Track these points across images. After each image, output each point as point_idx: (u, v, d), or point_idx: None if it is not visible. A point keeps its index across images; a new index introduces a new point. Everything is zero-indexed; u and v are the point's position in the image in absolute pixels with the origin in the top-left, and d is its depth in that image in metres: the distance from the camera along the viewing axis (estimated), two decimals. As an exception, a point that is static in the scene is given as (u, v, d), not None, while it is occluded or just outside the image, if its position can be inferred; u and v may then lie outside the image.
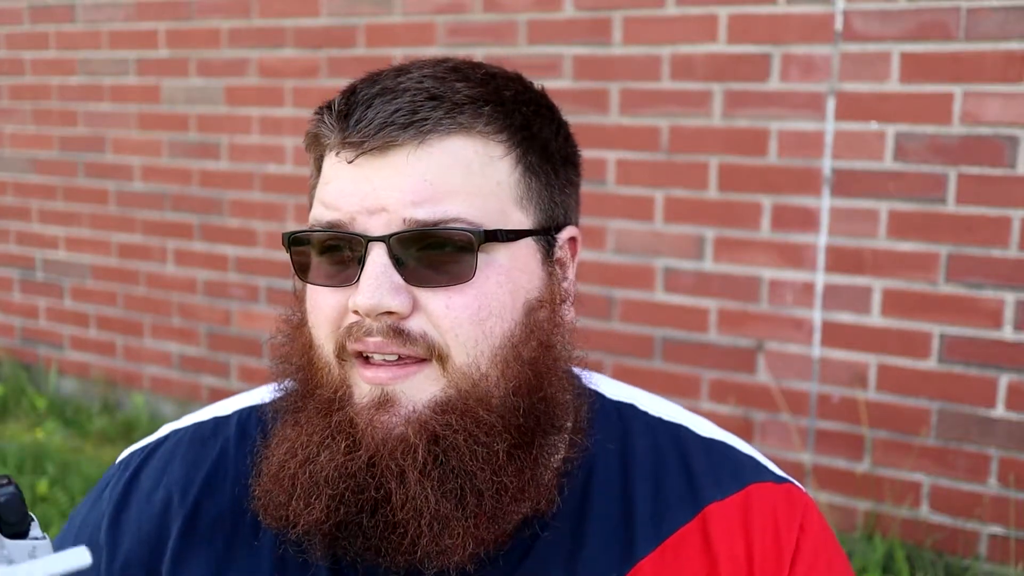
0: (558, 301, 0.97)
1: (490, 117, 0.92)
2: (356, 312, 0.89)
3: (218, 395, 4.45)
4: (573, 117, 3.98)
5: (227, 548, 0.99)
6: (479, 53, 3.62)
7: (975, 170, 2.92)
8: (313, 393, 0.94)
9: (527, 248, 0.94)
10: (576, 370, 1.07)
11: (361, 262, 0.89)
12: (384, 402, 0.89)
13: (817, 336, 3.19)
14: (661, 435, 1.03)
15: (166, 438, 1.06)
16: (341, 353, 0.91)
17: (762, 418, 3.31)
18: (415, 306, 0.89)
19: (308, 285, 0.94)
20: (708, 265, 3.34)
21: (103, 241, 4.76)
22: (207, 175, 4.39)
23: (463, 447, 0.89)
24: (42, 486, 3.79)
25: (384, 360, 0.90)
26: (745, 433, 3.30)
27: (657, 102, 3.36)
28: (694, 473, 1.01)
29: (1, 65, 4.97)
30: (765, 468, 1.03)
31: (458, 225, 0.89)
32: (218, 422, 1.06)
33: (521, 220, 0.94)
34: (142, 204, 4.60)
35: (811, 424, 3.24)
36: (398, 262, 0.89)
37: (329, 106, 0.94)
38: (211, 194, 4.39)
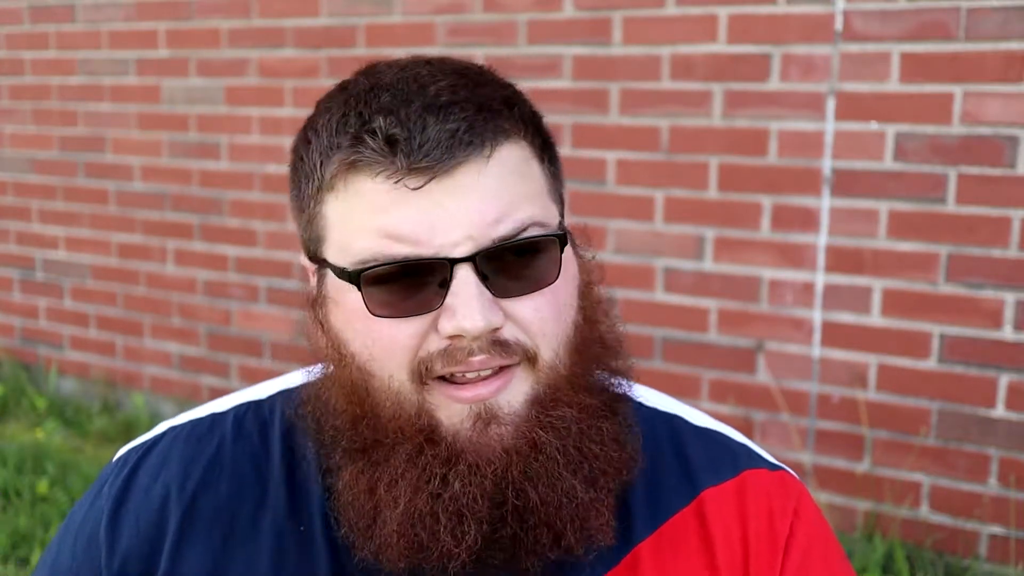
0: (594, 279, 1.00)
1: (520, 120, 0.93)
2: (453, 337, 0.88)
3: (218, 395, 4.43)
4: (573, 117, 3.98)
5: (225, 542, 0.99)
6: (479, 53, 3.62)
7: (975, 170, 2.92)
8: (385, 427, 0.92)
9: (567, 239, 0.97)
10: None
11: (445, 286, 0.88)
12: (489, 417, 0.90)
13: (817, 336, 3.19)
14: (656, 424, 1.05)
15: (163, 435, 1.07)
16: (425, 377, 0.90)
17: (762, 418, 3.31)
18: (504, 316, 0.90)
19: (361, 317, 0.91)
20: (708, 265, 3.34)
21: (103, 241, 4.76)
22: (207, 175, 4.39)
23: (580, 432, 0.91)
24: (42, 486, 3.80)
25: (479, 376, 0.90)
26: (745, 433, 3.28)
27: (657, 102, 3.36)
28: (689, 460, 1.02)
29: (1, 65, 4.97)
30: (759, 455, 1.05)
31: (536, 231, 0.90)
32: (215, 418, 1.07)
33: (556, 213, 0.96)
34: (142, 204, 4.60)
35: (811, 424, 3.24)
36: (483, 277, 0.88)
37: (370, 129, 0.88)
38: (211, 194, 4.39)
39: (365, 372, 0.92)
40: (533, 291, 0.90)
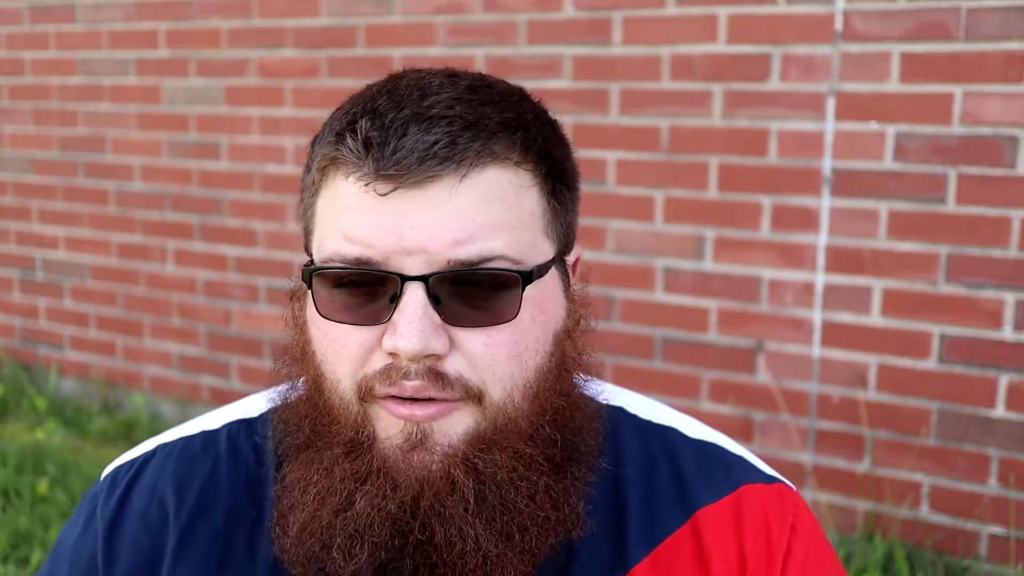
0: (580, 324, 0.95)
1: (521, 145, 0.89)
2: (392, 354, 0.85)
3: (218, 395, 4.46)
4: (573, 117, 3.97)
5: (221, 567, 0.97)
6: (479, 53, 3.62)
7: (975, 170, 2.92)
8: (329, 430, 0.90)
9: (553, 278, 0.92)
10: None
11: (395, 300, 0.85)
12: (420, 440, 0.86)
13: (817, 336, 3.19)
14: (651, 439, 1.02)
15: (154, 453, 1.04)
16: (366, 395, 0.87)
17: (762, 418, 3.31)
18: (452, 345, 0.86)
19: (317, 316, 0.89)
20: (708, 265, 3.34)
21: (103, 241, 4.76)
22: (207, 175, 4.39)
23: (506, 482, 0.87)
24: (42, 486, 3.79)
25: (418, 401, 0.87)
26: (745, 433, 3.30)
27: (657, 102, 3.36)
28: (685, 476, 1.00)
29: (1, 65, 4.97)
30: (755, 468, 1.02)
31: (501, 264, 0.85)
32: (207, 436, 1.04)
33: (547, 249, 0.91)
34: (142, 204, 4.60)
35: (811, 424, 3.24)
36: (436, 300, 0.85)
37: (352, 128, 0.87)
38: (211, 194, 4.39)
39: (319, 371, 0.91)
40: (487, 325, 0.86)
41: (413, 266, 0.85)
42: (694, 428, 1.05)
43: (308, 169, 0.94)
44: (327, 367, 0.90)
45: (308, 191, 0.93)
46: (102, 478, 1.06)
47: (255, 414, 1.04)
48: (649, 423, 1.04)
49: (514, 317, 0.86)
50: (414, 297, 0.84)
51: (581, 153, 1.02)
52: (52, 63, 4.80)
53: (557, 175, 0.93)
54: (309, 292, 0.91)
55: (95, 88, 4.67)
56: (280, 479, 0.95)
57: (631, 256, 3.46)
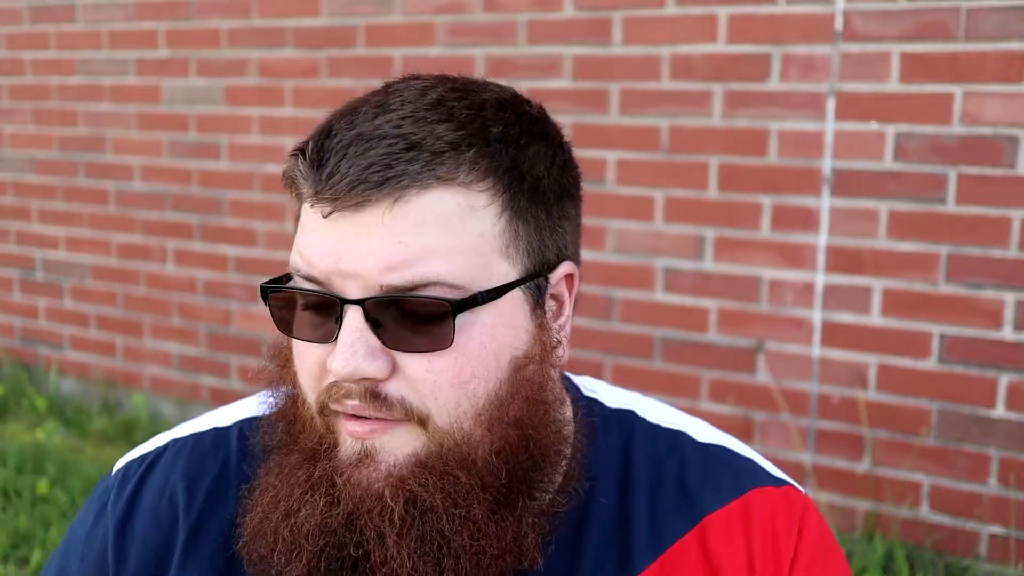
0: (548, 351, 0.91)
1: (472, 163, 0.85)
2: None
3: (218, 395, 4.46)
4: (573, 117, 3.97)
5: (230, 566, 0.98)
6: (479, 53, 3.62)
7: (975, 170, 2.92)
8: (297, 439, 0.92)
9: (513, 301, 0.88)
10: (575, 379, 1.05)
11: (339, 322, 0.85)
12: (364, 457, 0.87)
13: (817, 336, 3.19)
14: (660, 443, 1.01)
15: (165, 449, 1.04)
16: (323, 409, 0.88)
17: (762, 418, 3.31)
18: (394, 368, 0.85)
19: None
20: (708, 265, 3.34)
21: (103, 241, 4.76)
22: (207, 175, 4.39)
23: (440, 509, 0.86)
24: (42, 486, 3.80)
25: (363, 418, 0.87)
26: (745, 433, 3.30)
27: (657, 102, 3.36)
28: (692, 482, 0.99)
29: (1, 65, 4.97)
30: (764, 471, 1.02)
31: (434, 292, 0.83)
32: (218, 433, 1.04)
33: (506, 271, 0.88)
34: (142, 204, 4.60)
35: (811, 424, 3.24)
36: (376, 324, 0.84)
37: (304, 149, 0.88)
38: (211, 194, 4.39)
39: (294, 380, 0.93)
40: (426, 351, 0.85)
41: (352, 289, 0.85)
42: (703, 432, 1.04)
43: (283, 185, 0.97)
44: (299, 378, 0.92)
45: (295, 206, 0.95)
46: (113, 473, 1.06)
47: (264, 412, 1.04)
48: (658, 427, 1.03)
49: (449, 344, 0.84)
50: (350, 320, 0.84)
51: (581, 153, 0.99)
52: (52, 63, 4.80)
53: (526, 193, 0.89)
54: (267, 307, 0.92)
55: (95, 88, 4.67)
56: (255, 479, 0.96)
57: (631, 256, 3.46)
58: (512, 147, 0.88)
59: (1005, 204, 2.89)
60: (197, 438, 1.04)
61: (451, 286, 0.84)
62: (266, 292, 0.91)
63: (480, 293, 0.86)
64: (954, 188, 2.95)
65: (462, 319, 0.85)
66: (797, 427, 3.26)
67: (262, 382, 0.99)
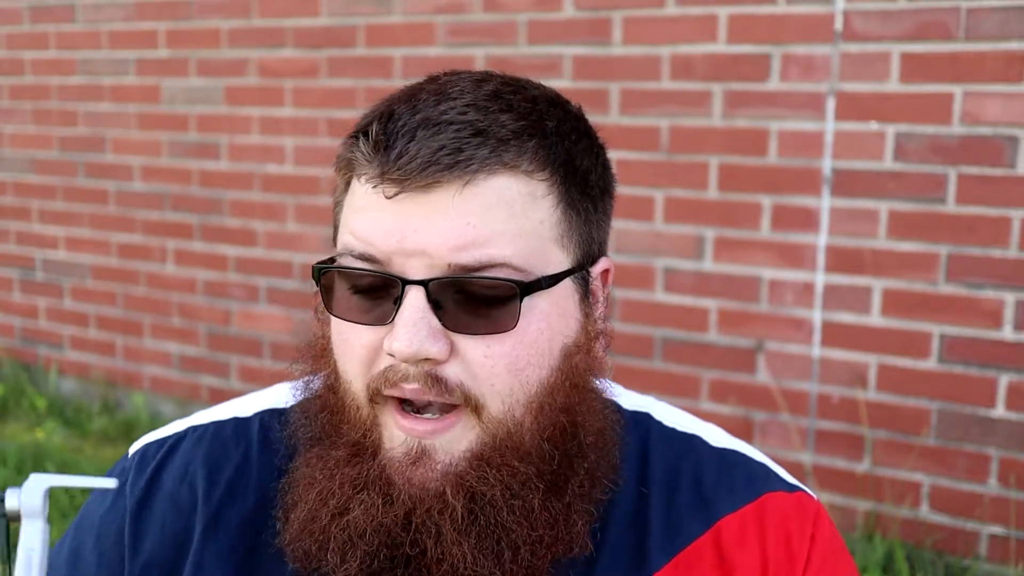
0: (593, 340, 0.94)
1: (534, 153, 0.88)
2: (392, 355, 0.86)
3: (218, 395, 4.45)
4: (573, 117, 3.85)
5: (249, 557, 0.97)
6: (479, 53, 3.62)
7: (975, 170, 2.92)
8: (339, 429, 0.91)
9: (565, 290, 0.91)
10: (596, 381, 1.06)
11: (398, 303, 0.85)
12: (420, 455, 0.87)
13: (817, 336, 3.19)
14: (675, 446, 1.02)
15: (185, 434, 1.04)
16: (374, 396, 0.88)
17: (762, 418, 3.31)
18: (452, 351, 0.86)
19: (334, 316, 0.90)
20: (708, 265, 3.34)
21: (103, 241, 4.76)
22: (207, 175, 4.39)
23: (500, 501, 0.87)
24: (42, 486, 3.79)
25: (420, 415, 0.87)
26: (745, 433, 3.30)
27: (657, 102, 3.36)
28: (707, 484, 1.00)
29: (1, 65, 4.97)
30: (777, 476, 1.02)
31: (502, 273, 0.85)
32: (238, 423, 1.04)
33: (561, 260, 0.90)
34: (142, 204, 4.60)
35: (811, 424, 3.24)
36: (437, 305, 0.85)
37: (365, 131, 0.88)
38: (211, 194, 4.39)
39: (335, 368, 0.92)
40: (487, 333, 0.86)
41: (414, 270, 0.85)
42: (718, 436, 1.05)
43: (336, 168, 0.95)
44: (342, 365, 0.91)
45: (337, 189, 0.95)
46: (130, 454, 1.06)
47: (285, 404, 1.04)
48: (674, 431, 1.04)
49: (513, 327, 0.86)
50: (412, 300, 0.85)
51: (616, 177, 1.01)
52: (52, 63, 4.80)
53: (578, 186, 0.92)
54: (318, 290, 0.91)
55: (95, 88, 4.67)
56: (291, 471, 0.96)
57: (631, 256, 3.46)
58: (566, 141, 0.92)
59: (1005, 204, 2.89)
60: (218, 426, 1.04)
61: (516, 268, 0.86)
62: (319, 272, 0.90)
63: (544, 278, 0.87)
64: (954, 188, 2.95)
65: (524, 304, 0.86)
66: (797, 427, 3.26)
67: (294, 374, 0.99)
